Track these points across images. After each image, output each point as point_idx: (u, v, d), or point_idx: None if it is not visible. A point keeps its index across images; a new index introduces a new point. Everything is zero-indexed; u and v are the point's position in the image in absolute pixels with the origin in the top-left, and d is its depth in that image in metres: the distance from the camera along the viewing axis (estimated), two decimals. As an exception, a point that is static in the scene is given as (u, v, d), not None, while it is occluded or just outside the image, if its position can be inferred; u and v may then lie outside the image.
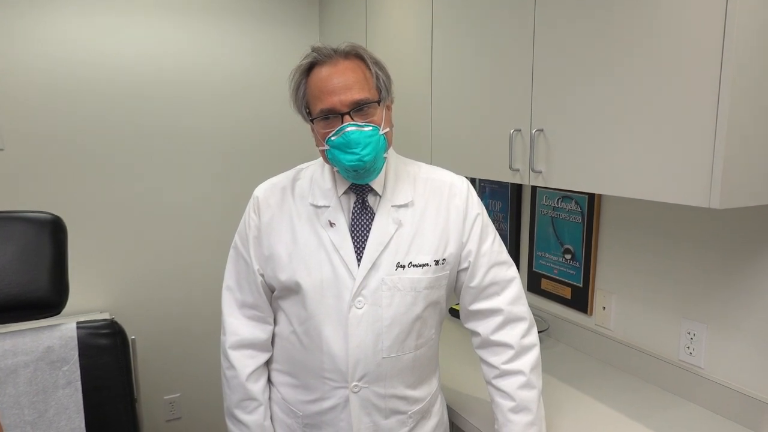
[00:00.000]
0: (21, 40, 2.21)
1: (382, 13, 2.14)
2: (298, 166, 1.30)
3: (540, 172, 1.40)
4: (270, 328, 1.27)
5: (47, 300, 1.21)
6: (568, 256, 1.81)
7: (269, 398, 1.28)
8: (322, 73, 1.12)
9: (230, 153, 2.69)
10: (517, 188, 2.04)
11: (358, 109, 1.11)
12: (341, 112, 1.10)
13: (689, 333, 1.45)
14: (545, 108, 1.37)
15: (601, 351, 1.72)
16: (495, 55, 1.53)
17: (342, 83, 1.10)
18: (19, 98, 2.24)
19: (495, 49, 1.53)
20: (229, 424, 1.27)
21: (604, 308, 1.71)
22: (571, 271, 1.81)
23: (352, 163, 1.09)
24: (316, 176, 1.24)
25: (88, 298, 2.46)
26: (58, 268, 1.23)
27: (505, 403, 1.19)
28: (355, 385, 1.16)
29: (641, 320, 1.60)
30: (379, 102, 1.14)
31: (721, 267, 1.38)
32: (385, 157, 1.18)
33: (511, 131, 1.47)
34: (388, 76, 1.18)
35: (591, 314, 1.76)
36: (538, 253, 1.95)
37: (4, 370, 1.20)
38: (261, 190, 1.26)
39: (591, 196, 1.72)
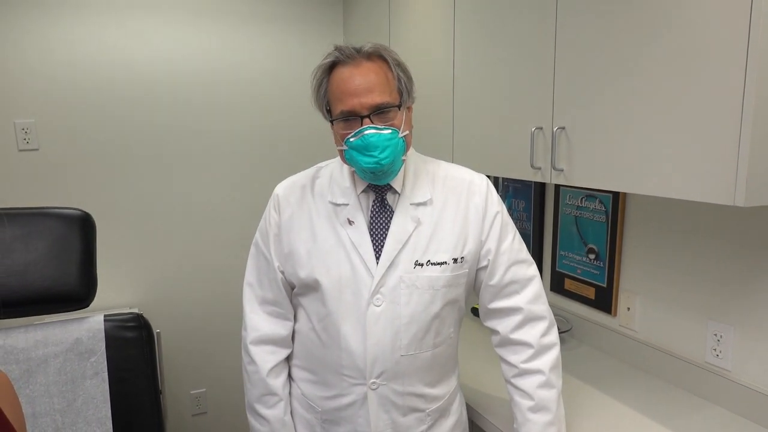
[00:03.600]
0: (55, 44, 2.28)
1: (405, 12, 2.14)
2: (318, 165, 1.31)
3: (561, 170, 1.39)
4: (290, 324, 1.28)
5: (76, 293, 1.25)
6: (592, 256, 1.79)
7: (289, 393, 1.29)
8: (344, 73, 1.12)
9: (253, 154, 2.72)
10: (541, 187, 2.02)
11: (379, 112, 1.11)
12: (361, 115, 1.10)
13: (716, 335, 1.42)
14: (567, 106, 1.36)
15: (625, 352, 1.69)
16: (517, 53, 1.52)
17: (363, 85, 1.10)
18: (54, 100, 2.31)
19: (517, 47, 1.52)
20: (251, 418, 1.29)
21: (628, 309, 1.68)
22: (595, 271, 1.79)
23: (370, 166, 1.10)
24: (335, 174, 1.25)
25: (117, 295, 2.52)
26: (86, 263, 1.27)
27: (524, 402, 1.18)
28: (373, 383, 1.17)
29: (666, 321, 1.57)
30: (399, 106, 1.14)
31: (748, 267, 1.34)
32: (404, 160, 1.18)
33: (533, 129, 1.46)
34: (410, 78, 1.17)
35: (615, 315, 1.74)
36: (562, 253, 1.93)
37: (35, 360, 1.25)
38: (281, 188, 1.28)
39: (615, 195, 1.69)
